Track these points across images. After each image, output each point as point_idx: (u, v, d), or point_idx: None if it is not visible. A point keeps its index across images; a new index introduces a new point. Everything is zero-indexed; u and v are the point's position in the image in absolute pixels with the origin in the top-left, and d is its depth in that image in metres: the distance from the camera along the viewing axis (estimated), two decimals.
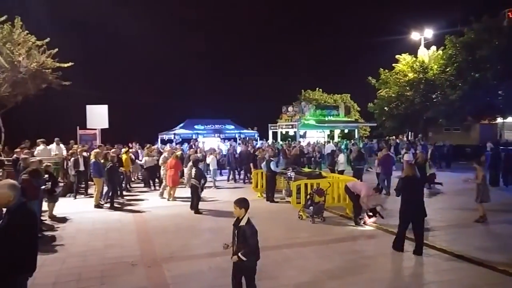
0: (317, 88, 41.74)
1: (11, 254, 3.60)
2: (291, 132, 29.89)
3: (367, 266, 6.78)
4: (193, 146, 20.72)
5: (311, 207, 10.01)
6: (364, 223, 9.57)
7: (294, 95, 41.48)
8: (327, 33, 62.02)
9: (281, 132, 30.92)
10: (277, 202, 12.63)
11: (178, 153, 14.59)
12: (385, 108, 29.62)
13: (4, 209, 3.93)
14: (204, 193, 12.80)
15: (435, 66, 27.32)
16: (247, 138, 26.97)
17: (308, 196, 10.36)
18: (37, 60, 20.35)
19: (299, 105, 31.26)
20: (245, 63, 58.53)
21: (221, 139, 26.51)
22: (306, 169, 14.37)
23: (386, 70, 29.66)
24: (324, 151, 21.26)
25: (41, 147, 14.74)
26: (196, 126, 27.57)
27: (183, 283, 6.01)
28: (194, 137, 25.35)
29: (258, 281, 6.11)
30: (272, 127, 31.49)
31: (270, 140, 28.77)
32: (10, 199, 3.82)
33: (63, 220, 10.19)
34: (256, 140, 26.95)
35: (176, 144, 23.06)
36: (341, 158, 15.90)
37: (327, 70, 50.72)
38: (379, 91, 30.16)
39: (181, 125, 28.34)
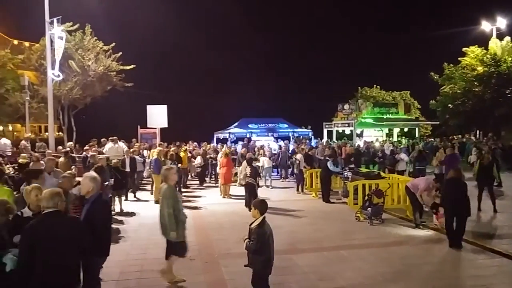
0: (375, 85, 40.33)
1: (91, 238, 3.98)
2: (347, 131, 29.13)
3: (430, 272, 6.42)
4: (248, 146, 20.94)
5: (369, 209, 9.69)
6: (424, 226, 9.05)
7: (350, 92, 40.46)
8: (385, 27, 59.66)
9: (336, 131, 30.24)
10: (333, 202, 12.37)
11: (227, 150, 14.84)
12: (449, 105, 27.82)
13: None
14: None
15: (510, 59, 25.19)
16: (301, 137, 26.73)
17: (366, 197, 10.03)
18: (104, 64, 21.82)
19: (355, 103, 30.40)
20: (299, 61, 58.14)
21: (274, 138, 26.53)
22: (364, 169, 13.94)
23: (451, 65, 27.85)
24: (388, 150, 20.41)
25: (109, 145, 15.68)
26: (250, 125, 27.86)
27: (240, 279, 6.06)
28: (248, 136, 25.63)
29: (316, 281, 6.05)
30: (327, 126, 30.88)
31: (325, 139, 28.26)
32: (90, 189, 4.36)
33: (127, 214, 10.77)
34: (310, 139, 26.65)
35: (231, 143, 23.47)
36: (404, 157, 15.23)
37: (385, 66, 48.80)
38: (442, 87, 28.41)
39: (236, 124, 28.80)
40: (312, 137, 27.78)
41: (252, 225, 4.84)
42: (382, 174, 12.31)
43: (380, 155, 19.18)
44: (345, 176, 12.35)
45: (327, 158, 13.00)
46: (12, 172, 12.25)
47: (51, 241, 3.61)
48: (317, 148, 17.94)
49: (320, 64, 55.98)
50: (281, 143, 22.22)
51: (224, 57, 55.35)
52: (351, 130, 28.16)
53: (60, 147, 15.82)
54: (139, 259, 7.02)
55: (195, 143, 20.45)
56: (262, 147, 18.71)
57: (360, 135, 28.57)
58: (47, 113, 17.22)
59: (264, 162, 15.54)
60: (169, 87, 41.21)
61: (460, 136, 27.31)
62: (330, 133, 30.67)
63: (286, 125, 28.66)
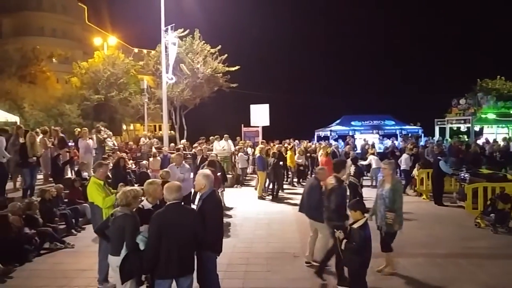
0: (498, 76, 35.54)
1: (204, 234, 4.20)
2: (463, 128, 26.22)
3: None
4: (349, 143, 20.27)
5: (492, 215, 8.60)
6: None
7: (467, 85, 36.31)
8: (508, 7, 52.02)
9: (450, 128, 27.44)
10: (446, 205, 11.29)
11: (328, 149, 14.45)
12: None
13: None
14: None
15: None
16: (409, 134, 24.94)
17: (489, 202, 8.92)
18: (211, 66, 23.18)
19: (474, 97, 27.16)
20: (408, 53, 54.21)
21: (380, 135, 25.20)
22: (485, 170, 12.41)
23: None
24: None
25: (216, 142, 16.62)
26: (352, 123, 26.90)
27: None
28: (350, 133, 24.80)
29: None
30: (439, 123, 28.23)
31: (437, 137, 25.89)
32: (202, 187, 4.49)
33: (232, 208, 11.24)
34: (420, 137, 24.70)
35: (333, 140, 23.00)
36: None
37: None
38: None
39: (337, 121, 28.09)
40: (422, 135, 25.73)
41: (354, 226, 4.77)
42: (509, 176, 10.79)
43: (499, 155, 16.85)
44: (462, 177, 11.16)
45: (439, 157, 11.91)
46: (134, 167, 13.84)
47: (175, 228, 4.00)
48: (427, 148, 16.52)
49: (432, 55, 51.29)
50: (388, 141, 21.05)
51: (326, 53, 54.47)
52: (467, 127, 25.30)
53: (172, 144, 17.27)
54: (245, 252, 7.27)
55: (296, 141, 20.54)
56: (371, 145, 17.90)
57: (479, 133, 25.50)
58: (162, 113, 18.92)
59: (372, 161, 14.78)
60: (271, 86, 42.10)
61: None
62: (442, 131, 28.00)
63: (393, 122, 26.99)
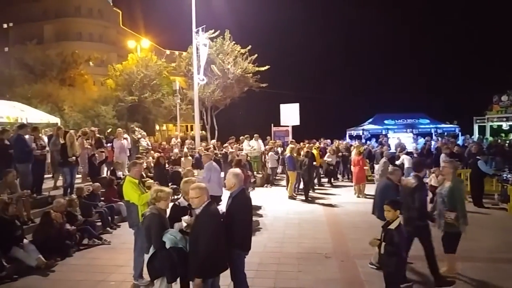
0: None
1: (233, 232, 4.27)
2: (505, 125, 25.00)
3: None
4: (383, 142, 19.81)
5: None
6: None
7: (510, 80, 34.57)
8: None
9: (491, 126, 26.23)
10: (487, 207, 10.80)
11: (361, 148, 14.15)
12: None
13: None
14: None
15: None
16: (445, 133, 24.10)
17: None
18: (241, 67, 23.26)
19: None
20: (443, 47, 52.28)
21: (414, 134, 24.50)
22: None
23: None
24: None
25: (246, 142, 16.71)
26: (386, 121, 26.34)
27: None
28: (383, 132, 24.25)
29: None
30: (478, 121, 27.08)
31: (476, 136, 24.84)
32: (232, 185, 4.55)
33: (262, 208, 11.24)
34: (457, 136, 23.78)
35: (366, 140, 22.57)
36: None
37: None
38: None
39: (370, 120, 27.55)
40: (459, 133, 24.77)
41: (391, 226, 4.63)
42: None
43: None
44: (504, 178, 10.64)
45: (477, 157, 11.41)
46: (168, 166, 14.13)
47: (221, 227, 4.12)
48: (467, 147, 15.87)
49: (469, 49, 49.11)
50: (422, 140, 20.43)
51: (357, 51, 53.54)
52: (510, 125, 24.14)
53: (203, 144, 17.51)
54: (276, 252, 7.25)
55: (328, 140, 20.33)
56: (402, 148, 17.42)
57: None
58: (194, 114, 19.19)
59: (405, 160, 14.37)
60: (302, 85, 41.78)
61: None
62: (482, 129, 26.82)
63: (427, 121, 26.20)
